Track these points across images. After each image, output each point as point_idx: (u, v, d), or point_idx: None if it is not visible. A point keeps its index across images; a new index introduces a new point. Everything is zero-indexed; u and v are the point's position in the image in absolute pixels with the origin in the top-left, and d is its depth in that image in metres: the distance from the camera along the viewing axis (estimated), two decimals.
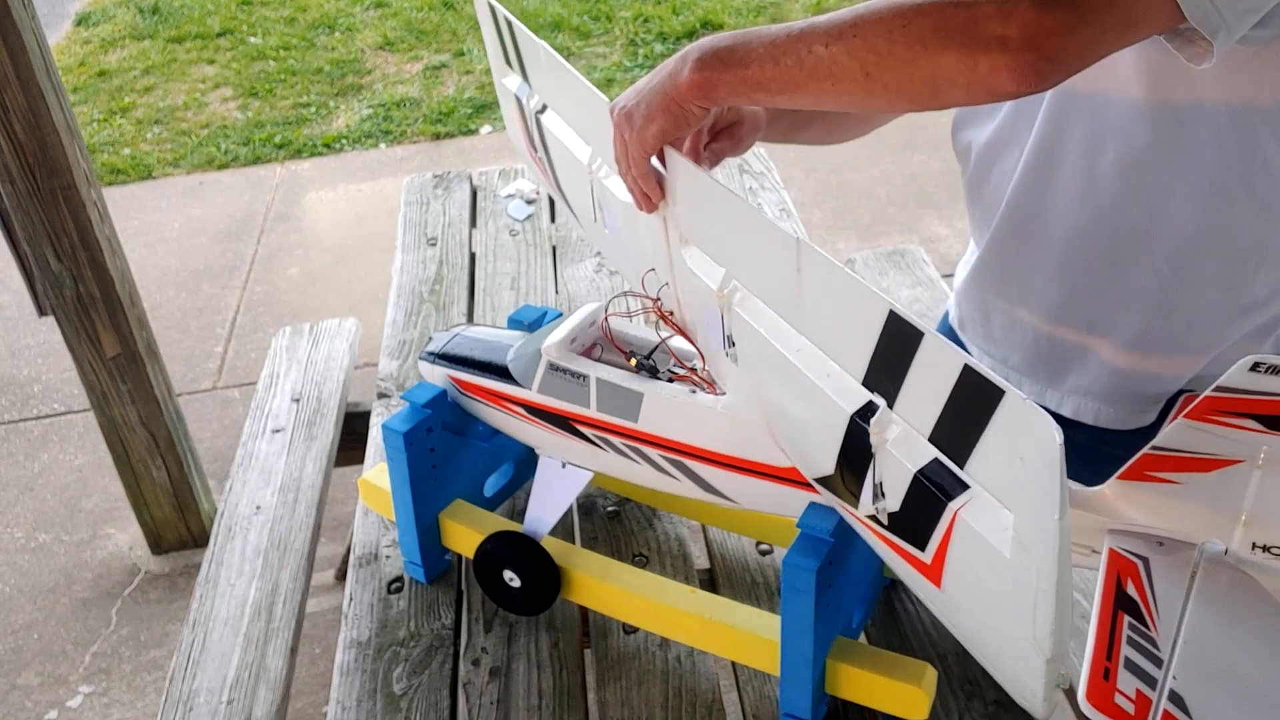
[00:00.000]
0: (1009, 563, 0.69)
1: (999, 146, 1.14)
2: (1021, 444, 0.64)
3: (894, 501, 0.79)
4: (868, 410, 0.78)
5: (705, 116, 0.92)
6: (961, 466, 0.71)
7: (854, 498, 0.84)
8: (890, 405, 0.75)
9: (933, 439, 0.72)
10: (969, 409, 0.67)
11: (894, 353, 0.73)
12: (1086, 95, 1.02)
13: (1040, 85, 0.78)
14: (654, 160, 0.95)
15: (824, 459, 0.86)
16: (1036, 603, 0.67)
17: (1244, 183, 1.01)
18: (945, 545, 0.75)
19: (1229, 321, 1.08)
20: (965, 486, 0.73)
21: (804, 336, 0.84)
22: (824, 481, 0.89)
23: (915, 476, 0.75)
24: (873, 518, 0.83)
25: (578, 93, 1.02)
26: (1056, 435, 0.60)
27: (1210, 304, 1.07)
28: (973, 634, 0.81)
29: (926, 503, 0.75)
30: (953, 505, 0.73)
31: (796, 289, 0.81)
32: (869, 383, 0.77)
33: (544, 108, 1.16)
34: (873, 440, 0.78)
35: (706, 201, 0.91)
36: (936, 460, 0.74)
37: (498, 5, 1.13)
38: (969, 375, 0.67)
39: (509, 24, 1.12)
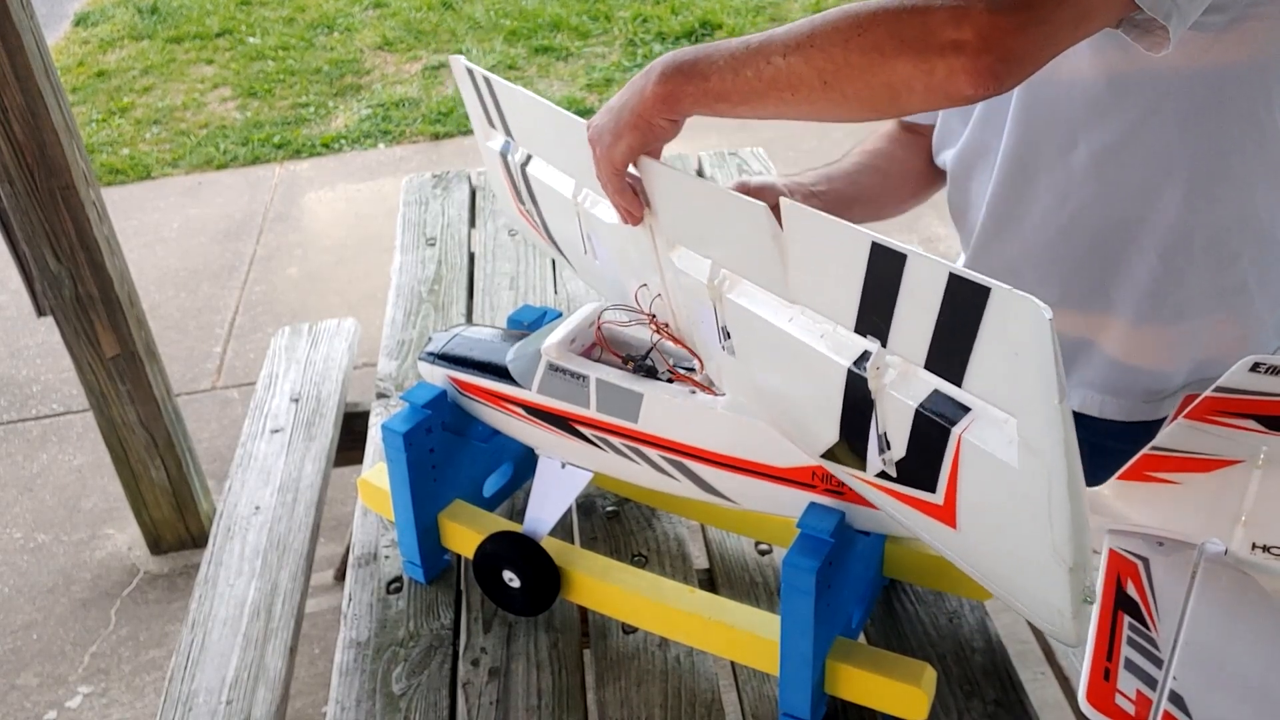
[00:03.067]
0: (1018, 473, 0.68)
1: (971, 158, 1.15)
2: (1013, 336, 0.64)
3: (899, 447, 0.79)
4: (864, 360, 0.79)
5: (674, 129, 0.93)
6: (959, 384, 0.71)
7: (861, 460, 0.85)
8: (884, 344, 0.76)
9: (929, 364, 0.72)
10: (960, 317, 0.67)
11: (881, 284, 0.73)
12: (1051, 98, 1.02)
13: (998, 87, 0.79)
14: (633, 170, 0.95)
15: (827, 428, 0.86)
16: (1051, 506, 0.67)
17: (1220, 164, 1.01)
18: (954, 477, 0.75)
19: (1216, 300, 1.09)
20: (965, 410, 0.73)
21: (795, 305, 0.84)
22: (830, 455, 0.89)
23: (916, 412, 0.75)
24: (882, 474, 0.83)
25: (556, 123, 1.02)
26: (1045, 313, 0.60)
27: (1198, 287, 1.08)
28: (993, 568, 0.80)
29: (931, 436, 0.75)
30: (956, 430, 0.73)
31: (778, 256, 0.82)
32: (861, 327, 0.77)
33: (528, 159, 1.17)
34: (871, 386, 0.78)
35: (680, 195, 0.92)
36: (935, 391, 0.75)
37: (474, 66, 1.14)
38: (955, 282, 0.67)
39: (486, 80, 1.13)
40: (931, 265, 0.68)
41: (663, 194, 0.94)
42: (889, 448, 0.80)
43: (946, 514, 0.79)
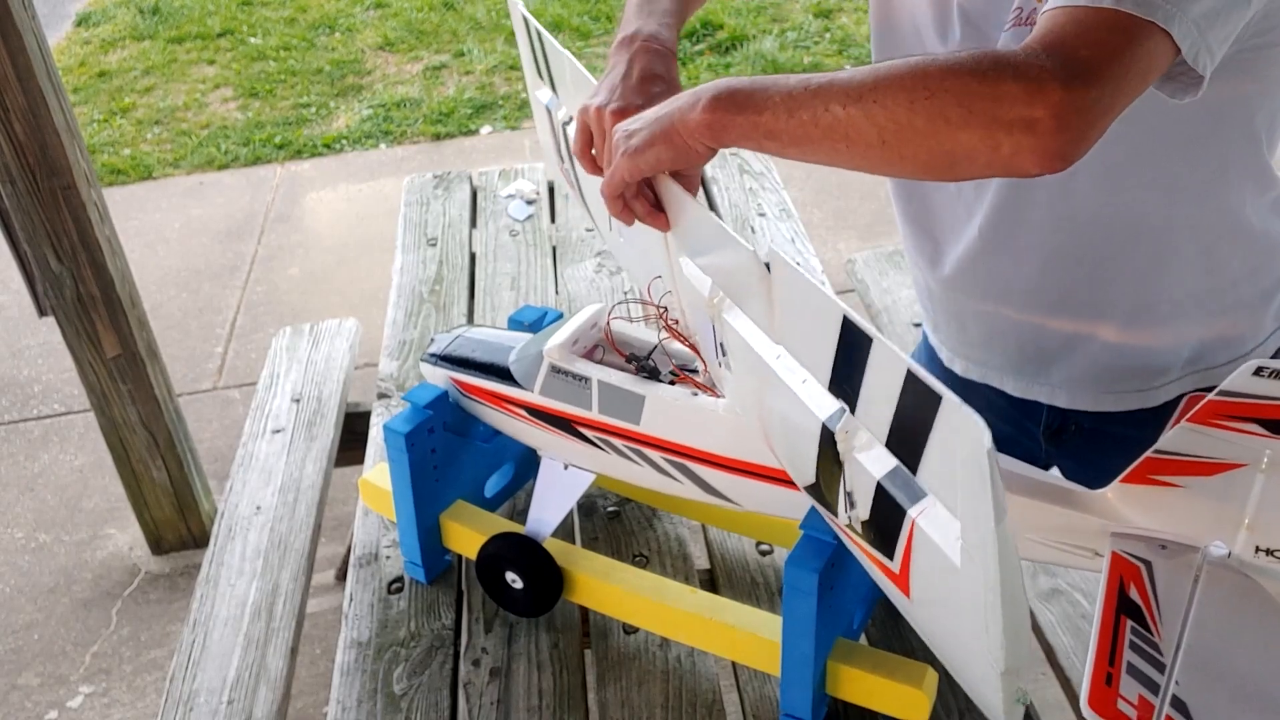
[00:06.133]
0: (960, 572, 0.68)
1: None
2: (959, 448, 0.63)
3: (864, 509, 0.79)
4: (838, 417, 0.79)
5: (709, 156, 0.90)
6: (914, 473, 0.70)
7: (832, 509, 0.85)
8: (852, 411, 0.75)
9: (888, 445, 0.72)
10: (915, 414, 0.67)
11: (850, 358, 0.73)
12: None
13: (1063, 167, 0.76)
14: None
15: (807, 468, 0.86)
16: (986, 613, 0.67)
17: (1220, 179, 1.02)
18: (908, 554, 0.75)
19: (1209, 300, 1.10)
20: (923, 494, 0.72)
21: (781, 345, 0.85)
22: (811, 490, 0.89)
23: (878, 484, 0.75)
24: (850, 526, 0.83)
25: None
26: (986, 439, 0.59)
27: (1191, 289, 1.09)
28: (941, 643, 0.81)
29: (890, 510, 0.75)
30: (911, 513, 0.73)
31: (766, 299, 0.81)
32: (833, 389, 0.77)
33: (570, 119, 1.17)
34: (839, 449, 0.78)
35: (681, 215, 0.92)
36: (897, 467, 0.74)
37: (530, 17, 1.15)
38: (912, 380, 0.66)
39: (539, 35, 1.13)
40: (893, 357, 0.68)
41: (671, 209, 0.94)
42: (854, 507, 0.80)
43: (901, 583, 0.79)
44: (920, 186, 1.20)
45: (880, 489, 0.75)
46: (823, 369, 0.77)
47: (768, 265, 0.80)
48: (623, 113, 0.95)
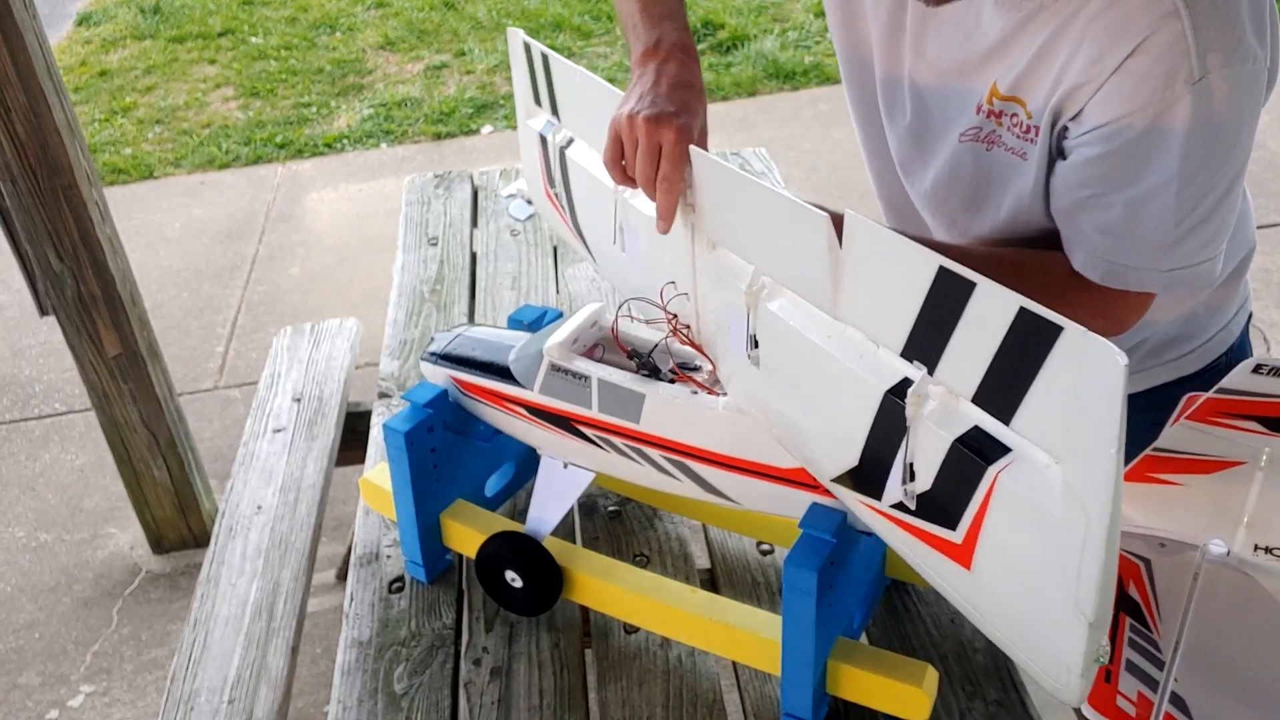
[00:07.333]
0: (1053, 520, 0.67)
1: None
2: (1080, 378, 0.62)
3: (925, 480, 0.78)
4: (903, 387, 0.78)
5: None
6: (1008, 422, 0.69)
7: (876, 489, 0.84)
8: (931, 371, 0.74)
9: (978, 398, 0.71)
10: (1023, 353, 0.66)
11: (941, 311, 0.72)
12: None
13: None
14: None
15: (846, 453, 0.85)
16: (1083, 558, 0.65)
17: None
18: (981, 517, 0.74)
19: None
20: (1006, 450, 0.72)
21: (838, 321, 0.84)
22: (842, 480, 0.89)
23: (953, 445, 0.74)
24: (897, 506, 0.82)
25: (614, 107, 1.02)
26: (1120, 359, 0.59)
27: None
28: (1002, 617, 0.79)
29: (964, 472, 0.74)
30: (993, 469, 0.71)
31: (830, 270, 0.80)
32: (909, 352, 0.76)
33: (569, 142, 1.18)
34: (909, 413, 0.77)
35: (734, 196, 0.91)
36: (976, 427, 0.73)
37: (532, 42, 1.15)
38: (1025, 316, 0.65)
39: (544, 57, 1.13)
40: (1002, 296, 0.67)
41: (712, 191, 0.93)
42: (913, 479, 0.79)
43: (963, 554, 0.77)
44: (912, 213, 1.23)
45: (955, 449, 0.74)
46: (899, 333, 0.76)
47: (839, 227, 0.78)
48: (658, 119, 0.95)
